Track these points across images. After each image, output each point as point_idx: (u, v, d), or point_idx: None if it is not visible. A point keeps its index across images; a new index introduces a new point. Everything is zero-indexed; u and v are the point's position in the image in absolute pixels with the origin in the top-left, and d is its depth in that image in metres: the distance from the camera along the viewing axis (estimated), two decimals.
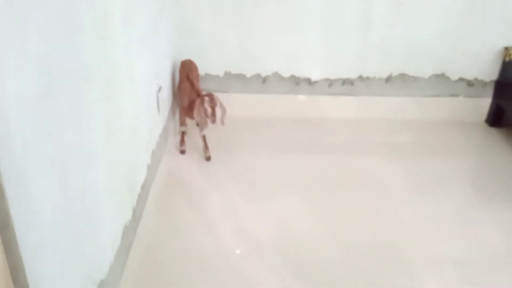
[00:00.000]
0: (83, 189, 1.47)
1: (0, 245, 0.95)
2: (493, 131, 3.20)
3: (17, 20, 1.01)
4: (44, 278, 1.18)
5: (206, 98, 2.59)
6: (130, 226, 2.00)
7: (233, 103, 3.23)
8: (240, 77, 3.23)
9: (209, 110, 2.59)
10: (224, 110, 2.66)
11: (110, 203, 1.76)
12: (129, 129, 2.01)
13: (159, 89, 2.56)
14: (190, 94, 2.70)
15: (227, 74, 3.23)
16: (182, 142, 2.84)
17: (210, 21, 3.06)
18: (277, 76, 3.21)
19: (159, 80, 2.58)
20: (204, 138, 2.79)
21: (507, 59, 3.03)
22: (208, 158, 2.78)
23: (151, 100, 2.43)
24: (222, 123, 2.66)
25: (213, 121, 2.61)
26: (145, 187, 2.28)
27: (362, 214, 2.41)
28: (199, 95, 2.65)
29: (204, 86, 3.17)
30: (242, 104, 3.22)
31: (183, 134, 2.85)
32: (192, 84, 2.73)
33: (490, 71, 3.17)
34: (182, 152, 2.83)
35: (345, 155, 2.91)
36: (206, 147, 2.80)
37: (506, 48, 3.05)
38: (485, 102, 3.25)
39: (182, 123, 2.84)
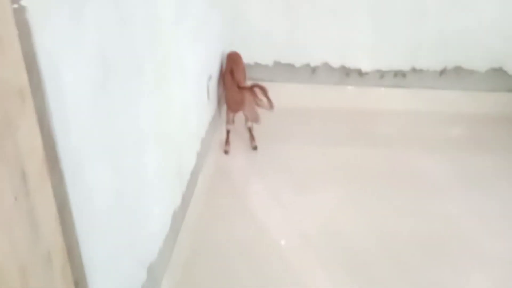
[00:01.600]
0: (135, 175, 1.52)
1: (59, 226, 1.01)
2: None
3: (76, 14, 1.06)
4: (97, 259, 1.23)
5: (257, 90, 2.54)
6: (179, 212, 2.05)
7: (281, 93, 3.22)
8: (289, 67, 3.22)
9: (264, 99, 2.52)
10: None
11: (161, 189, 1.82)
12: (179, 117, 2.05)
13: (209, 78, 2.60)
14: (230, 86, 2.67)
15: (276, 64, 3.23)
16: (227, 141, 2.81)
17: (260, 11, 3.06)
18: (326, 66, 3.18)
19: (209, 69, 2.62)
20: (250, 128, 2.80)
21: None
22: (254, 148, 2.80)
23: (202, 89, 2.47)
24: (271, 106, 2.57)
25: (271, 107, 2.51)
26: (194, 174, 2.32)
27: (409, 209, 2.37)
28: (239, 87, 2.60)
29: (253, 75, 3.18)
30: (290, 94, 3.21)
31: (228, 132, 2.81)
32: (233, 76, 2.67)
33: None
34: (226, 152, 2.79)
35: (394, 148, 2.86)
36: (252, 137, 2.81)
37: None
38: None
39: (228, 121, 2.80)
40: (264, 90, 2.53)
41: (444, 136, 2.98)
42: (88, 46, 1.14)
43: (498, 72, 3.07)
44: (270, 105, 2.52)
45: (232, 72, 2.71)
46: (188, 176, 2.22)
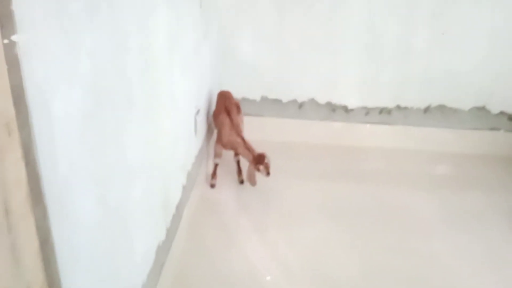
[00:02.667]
0: (120, 207, 1.51)
1: (41, 261, 0.99)
2: None
3: (70, 45, 1.07)
4: None
5: (261, 167, 2.51)
6: (163, 246, 2.02)
7: (268, 128, 3.27)
8: (277, 102, 3.26)
9: (264, 172, 2.52)
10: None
11: (145, 222, 1.80)
12: (167, 150, 2.05)
13: (197, 112, 2.61)
14: (230, 131, 2.66)
15: (264, 99, 3.26)
16: (214, 175, 2.78)
17: (249, 46, 3.12)
18: (313, 102, 3.22)
19: (198, 103, 2.64)
20: (238, 162, 2.80)
21: None
22: (241, 182, 2.80)
23: (190, 122, 2.48)
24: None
25: (268, 175, 2.53)
26: (180, 208, 2.31)
27: (394, 246, 2.37)
28: (239, 135, 2.62)
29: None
30: (277, 129, 3.24)
31: (216, 166, 2.78)
32: (232, 121, 2.67)
33: None
34: (212, 186, 2.76)
35: (379, 185, 2.88)
36: (239, 171, 2.81)
37: None
38: None
39: (217, 155, 2.77)
40: (267, 167, 2.52)
41: (429, 174, 3.01)
42: (81, 77, 1.15)
43: (481, 111, 3.14)
44: (267, 173, 2.52)
45: (228, 111, 2.71)
46: (173, 210, 2.20)
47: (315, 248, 2.34)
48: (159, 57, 1.85)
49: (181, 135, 2.31)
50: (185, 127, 2.40)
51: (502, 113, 3.13)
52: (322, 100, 3.21)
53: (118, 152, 1.44)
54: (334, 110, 3.24)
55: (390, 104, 3.19)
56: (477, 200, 2.75)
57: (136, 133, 1.61)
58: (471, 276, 2.20)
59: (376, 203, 2.71)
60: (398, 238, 2.43)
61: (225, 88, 2.99)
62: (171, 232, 2.15)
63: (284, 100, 3.25)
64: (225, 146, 2.70)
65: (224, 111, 2.73)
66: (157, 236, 1.96)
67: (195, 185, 2.64)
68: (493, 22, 2.88)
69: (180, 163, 2.33)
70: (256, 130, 3.18)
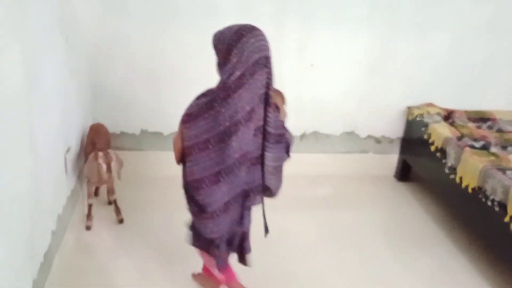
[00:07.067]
0: None
1: None
2: (401, 185, 3.38)
3: None
4: None
5: (100, 154, 2.44)
6: None
7: (149, 161, 3.19)
8: (157, 135, 3.20)
9: (104, 166, 2.44)
10: (120, 164, 2.54)
11: (5, 277, 1.63)
12: (28, 194, 1.90)
13: (67, 150, 2.47)
14: (90, 157, 2.51)
15: (143, 132, 3.19)
16: (89, 216, 2.63)
17: (123, 79, 3.04)
18: None
19: (68, 141, 2.49)
20: (115, 201, 2.68)
21: (410, 118, 3.25)
22: (120, 221, 2.68)
23: (58, 162, 2.33)
24: (118, 177, 2.55)
25: (109, 177, 2.46)
26: (49, 255, 2.14)
27: (277, 268, 2.41)
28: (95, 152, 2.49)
29: (119, 145, 3.10)
30: (158, 162, 3.17)
31: (90, 206, 2.64)
32: (94, 147, 2.55)
33: (396, 129, 3.38)
34: (88, 228, 2.62)
35: (260, 209, 2.92)
36: (117, 210, 2.69)
37: (409, 108, 3.27)
38: (393, 158, 3.44)
39: (90, 195, 2.62)
40: (107, 157, 2.44)
41: (307, 196, 3.14)
42: None
43: (351, 135, 3.36)
44: (109, 174, 2.44)
45: (94, 143, 2.60)
46: (41, 259, 2.03)
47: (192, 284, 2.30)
48: (13, 98, 1.72)
49: (46, 176, 2.15)
50: (53, 167, 2.25)
51: (369, 136, 3.38)
52: None
53: None
54: None
55: None
56: (353, 217, 2.93)
57: None
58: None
59: (259, 226, 2.73)
60: (279, 259, 2.48)
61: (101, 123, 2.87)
62: (38, 283, 1.98)
63: (165, 132, 3.20)
64: (92, 180, 2.55)
65: (90, 144, 2.61)
66: None
67: (69, 228, 2.47)
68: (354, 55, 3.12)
69: (48, 207, 2.17)
70: (135, 165, 3.10)
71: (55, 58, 2.30)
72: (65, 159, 2.42)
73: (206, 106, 1.63)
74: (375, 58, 3.13)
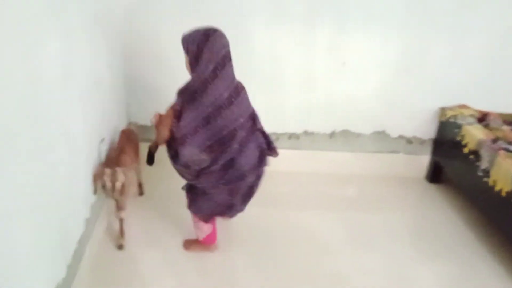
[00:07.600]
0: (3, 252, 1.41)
1: None
2: (432, 187, 3.32)
3: None
4: None
5: (108, 171, 2.25)
6: (63, 284, 1.91)
7: None
8: None
9: (109, 185, 2.24)
10: (130, 182, 2.37)
11: (40, 262, 1.69)
12: (64, 183, 1.96)
13: (102, 140, 2.53)
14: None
15: None
16: (121, 233, 2.47)
17: (156, 74, 3.07)
18: None
19: (102, 132, 2.55)
20: (121, 220, 2.45)
21: (443, 119, 3.19)
22: (120, 247, 2.45)
23: (92, 151, 2.39)
24: (128, 195, 2.39)
25: (112, 196, 2.29)
26: (82, 243, 2.20)
27: (302, 268, 2.42)
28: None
29: (152, 137, 3.14)
30: None
31: (121, 221, 2.45)
32: (122, 151, 2.50)
33: (428, 130, 3.32)
34: (120, 247, 2.45)
35: (288, 208, 2.94)
36: (121, 231, 2.47)
37: (442, 109, 3.21)
38: (425, 159, 3.38)
39: (120, 207, 2.39)
40: (113, 176, 2.25)
41: (335, 195, 3.12)
42: None
43: (381, 135, 3.32)
44: (112, 194, 2.27)
45: (123, 149, 2.55)
46: (74, 245, 2.09)
47: (224, 276, 2.33)
48: (50, 91, 1.78)
49: (81, 165, 2.21)
50: (88, 156, 2.31)
51: (400, 136, 3.33)
52: None
53: None
54: None
55: (297, 130, 3.29)
56: (381, 219, 2.89)
57: (23, 171, 1.52)
58: None
59: (285, 226, 2.75)
60: (306, 259, 2.48)
61: (133, 117, 2.92)
62: (72, 268, 2.04)
63: None
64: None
65: (119, 150, 2.54)
66: (55, 274, 1.85)
67: (100, 218, 2.53)
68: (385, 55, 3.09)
69: (81, 196, 2.23)
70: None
71: (90, 51, 2.36)
72: (99, 148, 2.48)
73: (189, 98, 1.96)
74: (408, 58, 3.08)
